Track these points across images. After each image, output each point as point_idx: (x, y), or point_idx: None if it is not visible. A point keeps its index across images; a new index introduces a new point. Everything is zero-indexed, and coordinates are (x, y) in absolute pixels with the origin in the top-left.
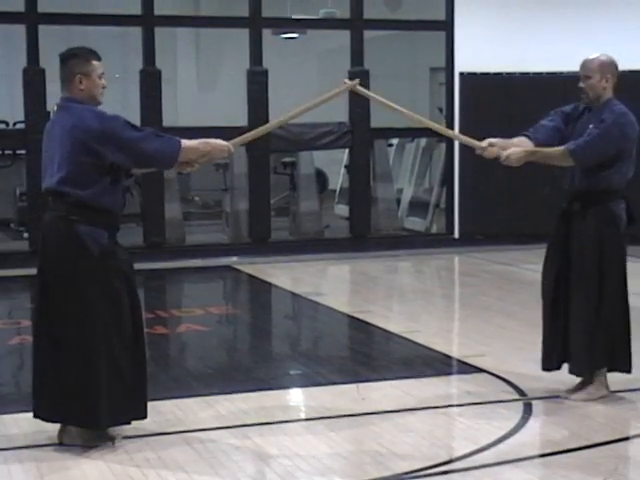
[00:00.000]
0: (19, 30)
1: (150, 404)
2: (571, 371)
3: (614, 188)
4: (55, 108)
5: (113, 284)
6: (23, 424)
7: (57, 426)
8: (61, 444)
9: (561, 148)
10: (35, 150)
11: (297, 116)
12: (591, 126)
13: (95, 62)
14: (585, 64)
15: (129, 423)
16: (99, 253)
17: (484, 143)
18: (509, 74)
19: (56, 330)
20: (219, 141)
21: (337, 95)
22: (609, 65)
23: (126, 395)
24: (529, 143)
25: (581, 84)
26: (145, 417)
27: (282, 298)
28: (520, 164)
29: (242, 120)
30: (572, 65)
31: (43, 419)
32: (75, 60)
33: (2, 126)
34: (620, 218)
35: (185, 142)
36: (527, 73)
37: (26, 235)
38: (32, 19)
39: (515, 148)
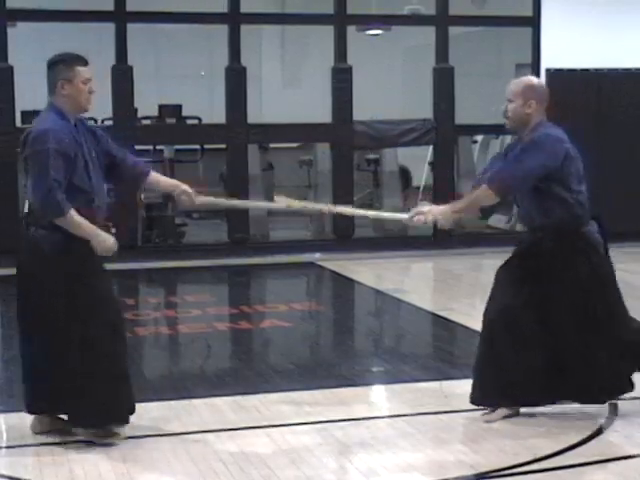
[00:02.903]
0: (108, 28)
1: (233, 399)
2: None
3: (576, 212)
4: None
5: (65, 284)
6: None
7: (145, 418)
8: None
9: (482, 186)
10: (122, 146)
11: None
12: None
13: (79, 68)
14: (509, 86)
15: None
16: (51, 254)
17: (410, 214)
18: (597, 70)
19: (26, 326)
20: (106, 238)
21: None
22: (534, 89)
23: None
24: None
25: (503, 107)
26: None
27: (365, 295)
28: (451, 221)
29: (326, 117)
30: None
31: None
32: (59, 66)
33: (91, 123)
34: (598, 242)
35: (73, 217)
36: (616, 69)
37: (114, 230)
38: (121, 17)
39: (438, 207)
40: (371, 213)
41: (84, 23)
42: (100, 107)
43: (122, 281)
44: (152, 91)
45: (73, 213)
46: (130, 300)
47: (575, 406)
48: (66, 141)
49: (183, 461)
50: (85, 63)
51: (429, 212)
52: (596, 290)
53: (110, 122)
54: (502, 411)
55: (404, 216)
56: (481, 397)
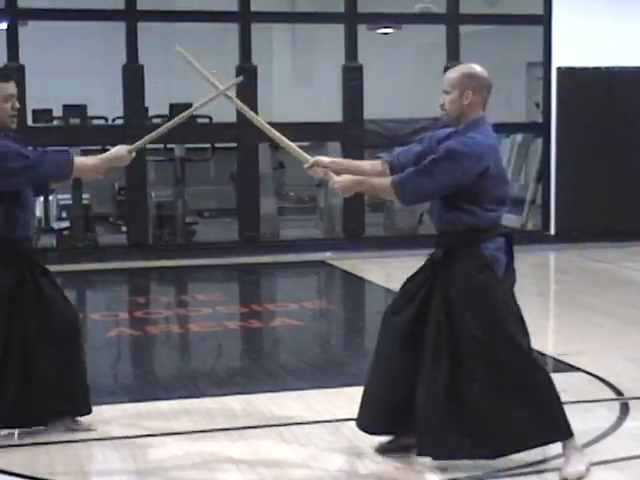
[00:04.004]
0: (119, 27)
1: (244, 397)
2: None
3: (481, 226)
4: None
5: None
6: (120, 415)
7: (155, 417)
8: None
9: (388, 179)
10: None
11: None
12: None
13: (0, 84)
14: (445, 76)
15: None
16: None
17: (311, 160)
18: (608, 68)
19: None
20: (115, 151)
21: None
22: (472, 79)
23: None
24: (377, 168)
25: (440, 100)
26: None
27: (375, 294)
28: (350, 193)
29: (337, 115)
30: None
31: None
32: None
33: (102, 122)
34: (495, 260)
35: (78, 158)
36: (627, 67)
37: (124, 229)
38: (131, 16)
39: (345, 176)
40: (283, 140)
41: (95, 22)
42: (111, 106)
43: (133, 279)
44: (163, 90)
45: (75, 158)
46: (141, 299)
47: (586, 405)
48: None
49: (193, 459)
50: (8, 79)
51: (328, 171)
52: (467, 311)
53: (121, 121)
54: None
55: (307, 158)
56: None
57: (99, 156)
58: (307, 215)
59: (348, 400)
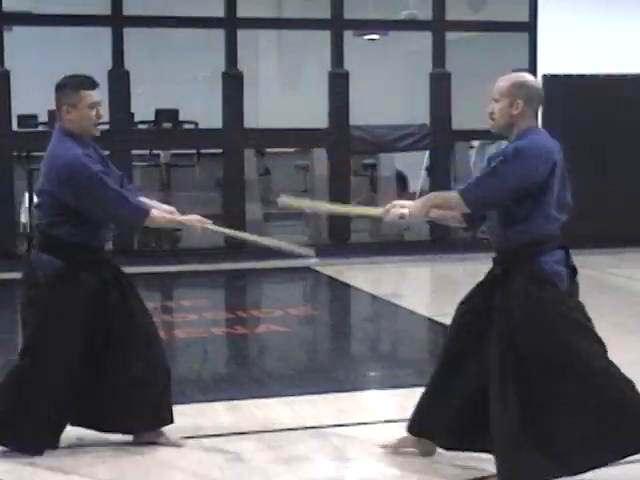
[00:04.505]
0: (104, 32)
1: (230, 403)
2: None
3: (540, 239)
4: None
5: (60, 312)
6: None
7: None
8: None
9: (455, 192)
10: (119, 151)
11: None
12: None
13: (84, 92)
14: (496, 84)
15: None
16: (45, 281)
17: (385, 208)
18: (593, 76)
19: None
20: (192, 218)
21: None
22: (522, 88)
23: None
24: None
25: (489, 108)
26: None
27: (361, 300)
28: (423, 211)
29: (323, 122)
30: None
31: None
32: (63, 90)
33: None
34: (557, 274)
35: (153, 212)
36: (612, 75)
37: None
38: (118, 22)
39: (412, 202)
40: (346, 209)
41: (81, 27)
42: None
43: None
44: (149, 95)
45: (153, 210)
46: None
47: None
48: (99, 164)
49: (179, 466)
50: (93, 86)
51: (403, 205)
52: (529, 331)
53: (107, 127)
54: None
55: (379, 210)
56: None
57: (174, 216)
58: (293, 221)
59: (334, 406)
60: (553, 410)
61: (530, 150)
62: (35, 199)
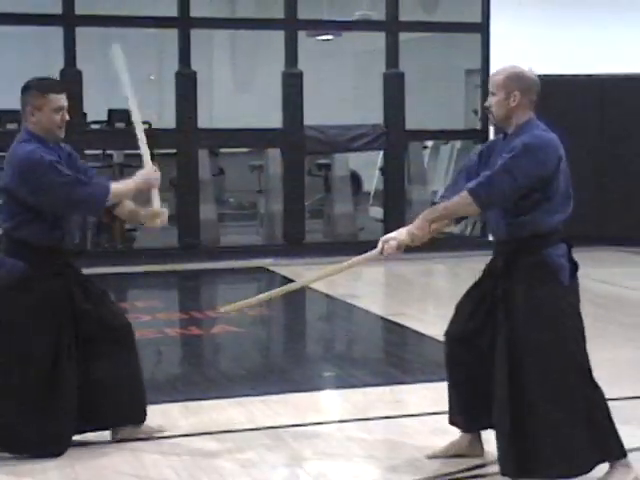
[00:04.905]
0: (56, 32)
1: (185, 405)
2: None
3: (544, 231)
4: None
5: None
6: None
7: None
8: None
9: (463, 192)
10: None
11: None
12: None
13: (51, 95)
14: (491, 78)
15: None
16: (7, 284)
17: (378, 248)
18: (546, 76)
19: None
20: (147, 171)
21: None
22: (518, 80)
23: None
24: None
25: (486, 103)
26: None
27: (316, 300)
28: (426, 234)
29: (277, 122)
30: (610, 67)
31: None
32: (29, 92)
33: None
34: (561, 267)
35: (113, 185)
36: (564, 75)
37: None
38: (69, 21)
39: (410, 225)
40: (342, 266)
41: (32, 27)
42: None
43: None
44: (101, 95)
45: (113, 184)
46: None
47: None
48: (56, 159)
49: (134, 467)
50: (60, 90)
51: (399, 234)
52: (528, 323)
53: None
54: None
55: (375, 252)
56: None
57: (133, 180)
58: (247, 221)
59: (288, 406)
60: (535, 408)
61: (538, 145)
62: None
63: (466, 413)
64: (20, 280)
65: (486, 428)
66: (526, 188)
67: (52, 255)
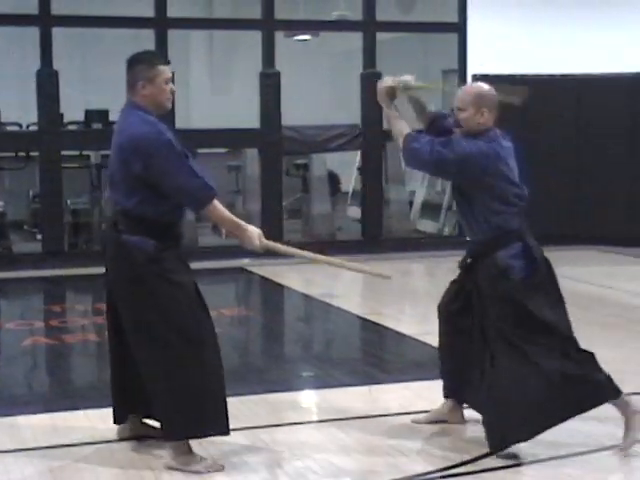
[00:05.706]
0: (32, 32)
1: None
2: None
3: (499, 233)
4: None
5: (159, 289)
6: (35, 425)
7: (72, 427)
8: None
9: (415, 132)
10: (48, 152)
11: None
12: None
13: (161, 67)
14: (459, 95)
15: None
16: (144, 261)
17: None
18: (522, 76)
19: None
20: (254, 231)
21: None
22: (486, 97)
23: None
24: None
25: (456, 116)
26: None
27: (294, 300)
28: (381, 97)
29: (255, 122)
30: (586, 67)
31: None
32: (140, 66)
33: (15, 128)
34: (508, 267)
35: (217, 205)
36: (540, 75)
37: (39, 237)
38: (46, 21)
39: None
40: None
41: (8, 27)
42: (25, 112)
43: (48, 288)
44: (78, 96)
45: (217, 205)
46: (57, 307)
47: None
48: (173, 137)
49: (111, 470)
50: (165, 62)
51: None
52: (491, 311)
53: (35, 127)
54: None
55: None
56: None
57: (236, 219)
58: None
59: (267, 407)
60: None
61: (478, 147)
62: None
63: (446, 380)
64: (156, 253)
65: (462, 402)
66: (458, 162)
67: (173, 229)
